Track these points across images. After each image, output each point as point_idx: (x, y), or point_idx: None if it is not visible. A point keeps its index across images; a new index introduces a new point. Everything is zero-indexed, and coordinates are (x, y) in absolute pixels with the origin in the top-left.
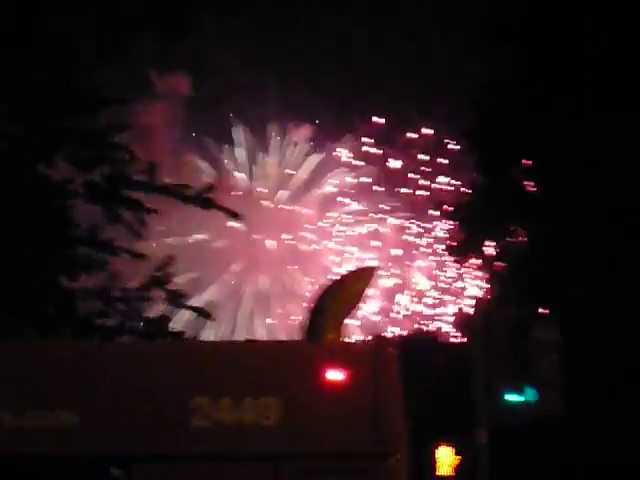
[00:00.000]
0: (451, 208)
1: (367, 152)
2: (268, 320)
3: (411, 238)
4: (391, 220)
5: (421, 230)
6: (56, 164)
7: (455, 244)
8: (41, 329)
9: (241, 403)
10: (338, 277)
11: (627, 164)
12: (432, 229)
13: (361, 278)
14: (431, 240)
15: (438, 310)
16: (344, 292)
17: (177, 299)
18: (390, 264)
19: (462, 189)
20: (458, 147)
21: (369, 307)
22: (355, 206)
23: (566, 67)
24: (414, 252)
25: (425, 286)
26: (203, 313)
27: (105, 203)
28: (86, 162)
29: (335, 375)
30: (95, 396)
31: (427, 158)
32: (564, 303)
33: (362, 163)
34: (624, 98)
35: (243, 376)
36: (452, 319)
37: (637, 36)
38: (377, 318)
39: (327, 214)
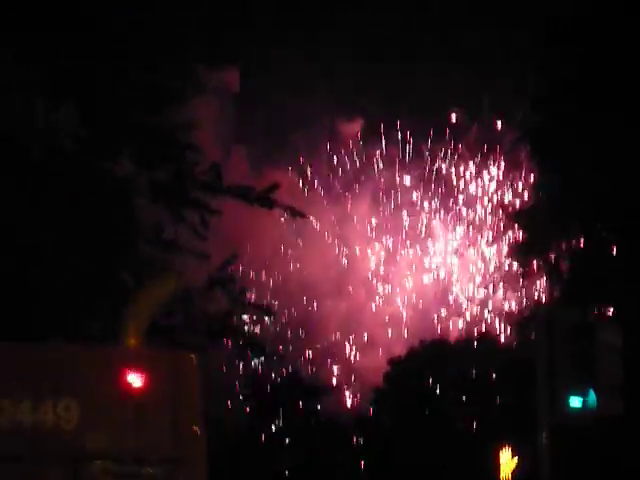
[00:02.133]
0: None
1: (415, 148)
2: None
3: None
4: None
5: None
6: (121, 162)
7: (518, 246)
8: (104, 327)
9: (41, 405)
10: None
11: None
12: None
13: (163, 283)
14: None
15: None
16: (146, 297)
17: (239, 298)
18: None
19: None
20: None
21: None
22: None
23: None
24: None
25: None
26: (265, 311)
27: (170, 203)
28: (151, 160)
29: (134, 379)
30: None
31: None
32: (627, 305)
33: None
34: None
35: (44, 378)
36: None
37: None
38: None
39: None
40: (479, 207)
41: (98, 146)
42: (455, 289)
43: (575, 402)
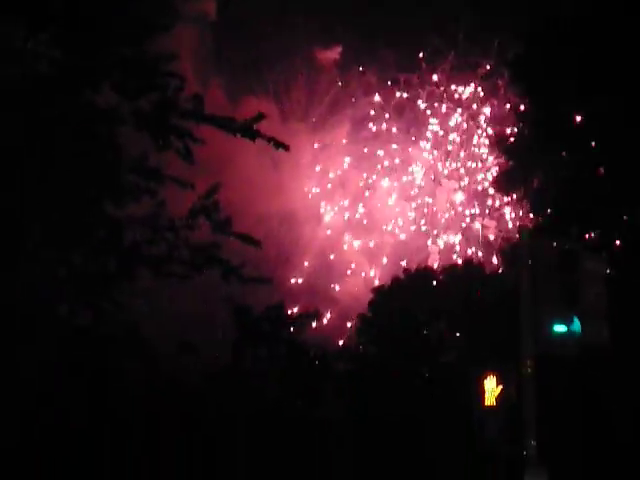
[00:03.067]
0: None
1: (398, 78)
2: None
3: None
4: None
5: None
6: (103, 91)
7: (502, 174)
8: (88, 257)
9: None
10: None
11: None
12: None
13: None
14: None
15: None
16: None
17: (223, 227)
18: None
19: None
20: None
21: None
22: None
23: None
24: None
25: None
26: (250, 241)
27: (153, 130)
28: (134, 90)
29: None
30: None
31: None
32: (611, 234)
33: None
34: None
35: None
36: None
37: None
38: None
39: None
40: (457, 135)
41: (79, 75)
42: (434, 218)
43: (559, 328)
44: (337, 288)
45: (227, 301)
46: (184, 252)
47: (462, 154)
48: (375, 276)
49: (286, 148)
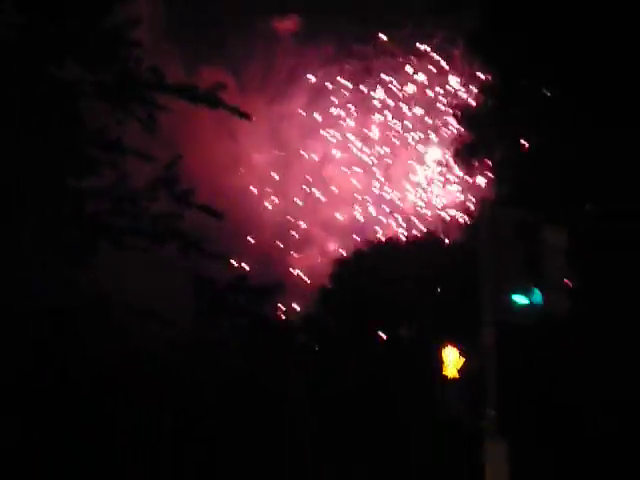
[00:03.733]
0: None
1: (354, 49)
2: None
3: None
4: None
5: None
6: (66, 64)
7: (463, 146)
8: (50, 229)
9: None
10: None
11: None
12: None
13: None
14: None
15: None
16: None
17: (185, 198)
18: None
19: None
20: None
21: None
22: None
23: None
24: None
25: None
26: (213, 213)
27: (115, 101)
28: (98, 60)
29: None
30: None
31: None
32: (571, 207)
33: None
34: None
35: None
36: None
37: None
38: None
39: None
40: (415, 106)
41: (43, 43)
42: (392, 189)
43: (520, 299)
44: (296, 261)
45: (191, 272)
46: (145, 224)
47: (421, 123)
48: (336, 250)
49: (248, 117)
